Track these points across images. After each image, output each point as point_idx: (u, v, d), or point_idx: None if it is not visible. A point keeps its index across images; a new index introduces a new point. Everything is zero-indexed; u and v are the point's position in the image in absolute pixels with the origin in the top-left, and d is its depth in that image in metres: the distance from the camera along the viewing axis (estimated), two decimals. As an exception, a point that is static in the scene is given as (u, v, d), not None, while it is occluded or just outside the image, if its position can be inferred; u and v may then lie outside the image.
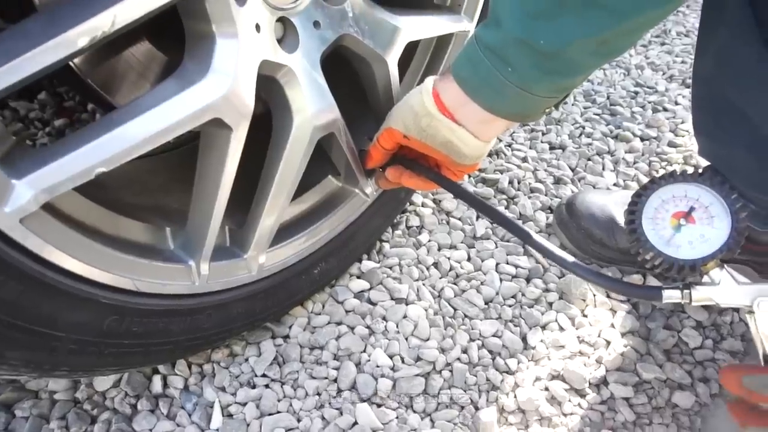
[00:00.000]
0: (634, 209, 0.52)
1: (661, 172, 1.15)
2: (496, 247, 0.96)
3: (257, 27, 0.56)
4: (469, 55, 0.56)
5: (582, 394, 0.78)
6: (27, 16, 0.42)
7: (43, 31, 0.41)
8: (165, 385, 0.76)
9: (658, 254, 0.50)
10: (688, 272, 0.50)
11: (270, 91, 0.63)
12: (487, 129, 0.61)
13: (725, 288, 0.50)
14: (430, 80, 0.62)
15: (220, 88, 0.53)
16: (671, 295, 0.52)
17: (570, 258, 0.58)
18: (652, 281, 0.92)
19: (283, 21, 0.60)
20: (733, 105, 0.70)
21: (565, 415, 0.76)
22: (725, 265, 0.51)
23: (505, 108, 0.58)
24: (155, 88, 0.52)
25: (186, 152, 0.86)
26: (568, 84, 0.56)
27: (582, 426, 0.75)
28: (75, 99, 1.24)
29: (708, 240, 0.50)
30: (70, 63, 1.02)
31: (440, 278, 0.91)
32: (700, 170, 0.86)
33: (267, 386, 0.76)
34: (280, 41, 0.60)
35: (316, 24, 0.63)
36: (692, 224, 0.51)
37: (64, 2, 0.43)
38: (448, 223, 1.00)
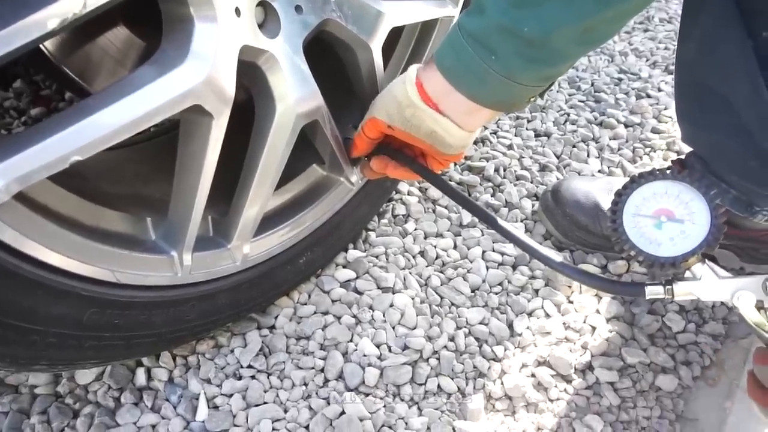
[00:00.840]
0: (616, 208, 0.53)
1: (645, 158, 1.16)
2: (482, 235, 0.96)
3: (237, 11, 0.54)
4: (453, 43, 0.55)
5: (568, 380, 0.79)
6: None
7: (9, 13, 0.39)
8: (149, 377, 0.75)
9: (639, 252, 0.52)
10: (669, 268, 0.51)
11: (252, 78, 0.62)
12: (471, 119, 0.60)
13: (706, 283, 0.52)
14: (413, 69, 0.61)
15: (199, 74, 0.52)
16: (654, 291, 0.53)
17: (557, 257, 0.58)
18: (637, 267, 0.92)
19: (263, 5, 0.58)
20: (716, 92, 0.70)
21: (551, 400, 0.77)
22: (706, 260, 0.52)
23: (488, 97, 0.57)
24: (132, 74, 0.51)
25: (166, 141, 0.84)
26: (552, 72, 0.55)
27: (568, 411, 0.76)
28: (52, 87, 1.21)
29: (689, 236, 0.51)
30: (45, 50, 0.99)
31: (427, 266, 0.91)
32: (679, 164, 0.87)
33: (253, 377, 0.76)
34: (261, 26, 0.58)
35: (298, 8, 0.62)
36: (673, 221, 0.52)
37: (32, -17, 0.41)
38: (434, 211, 1.00)
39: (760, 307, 0.49)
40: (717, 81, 0.70)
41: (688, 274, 0.53)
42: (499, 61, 0.52)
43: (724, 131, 0.73)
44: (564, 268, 0.58)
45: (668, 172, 0.52)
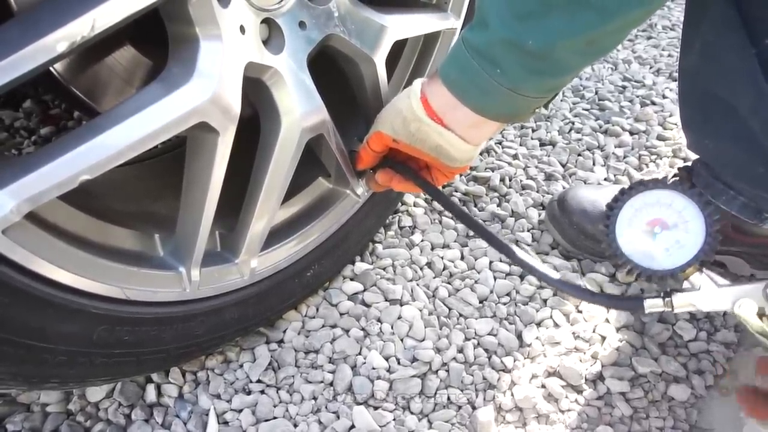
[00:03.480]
0: (608, 223, 0.52)
1: (651, 165, 1.15)
2: (489, 245, 0.96)
3: (242, 29, 0.55)
4: (457, 57, 0.56)
5: (578, 390, 0.78)
6: (3, 21, 0.41)
7: (20, 37, 0.40)
8: (159, 393, 0.75)
9: (636, 267, 0.50)
10: (668, 281, 0.51)
11: (257, 94, 0.62)
12: (476, 132, 0.60)
13: (706, 293, 0.50)
14: (417, 84, 0.62)
15: (205, 92, 0.53)
16: (653, 305, 0.52)
17: (554, 274, 0.58)
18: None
19: (268, 22, 0.59)
20: (720, 98, 0.70)
21: (562, 411, 0.76)
22: (704, 269, 0.51)
23: (494, 109, 0.57)
24: (139, 93, 0.51)
25: (173, 157, 0.85)
26: (556, 83, 0.56)
27: (579, 422, 0.75)
28: (61, 107, 1.23)
29: (684, 246, 0.50)
30: (54, 70, 1.01)
31: (434, 278, 0.91)
32: (686, 171, 0.87)
33: (262, 392, 0.75)
34: (265, 43, 0.59)
35: (302, 24, 0.62)
36: (667, 231, 0.50)
37: (42, 6, 0.42)
38: (440, 222, 1.00)
39: (761, 314, 0.48)
40: (721, 88, 0.70)
41: (686, 284, 0.52)
42: (504, 75, 0.53)
43: (730, 138, 0.73)
44: (562, 286, 0.57)
45: (659, 181, 0.51)
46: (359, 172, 0.75)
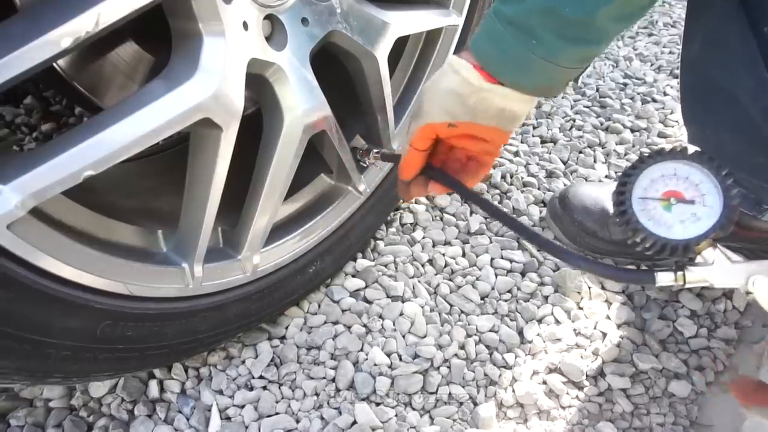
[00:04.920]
0: (623, 189, 0.50)
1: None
2: (491, 242, 0.96)
3: (245, 25, 0.55)
4: (489, 32, 0.55)
5: (580, 387, 0.78)
6: (7, 17, 0.41)
7: (24, 33, 0.40)
8: (161, 389, 0.75)
9: (650, 235, 0.48)
10: (681, 252, 0.48)
11: (260, 90, 0.62)
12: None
13: (719, 268, 0.48)
14: (456, 60, 0.58)
15: (208, 88, 0.53)
16: (664, 278, 0.50)
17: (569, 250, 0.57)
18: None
19: (270, 18, 0.59)
20: (722, 87, 0.70)
21: (563, 407, 0.76)
22: (718, 245, 0.49)
23: (530, 82, 0.56)
24: (142, 89, 0.51)
25: (176, 154, 0.85)
26: (592, 52, 0.55)
27: (580, 418, 0.75)
28: (62, 103, 1.23)
29: (700, 219, 0.48)
30: (56, 66, 1.01)
31: (435, 275, 0.91)
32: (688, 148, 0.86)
33: (265, 388, 0.76)
34: (268, 39, 0.59)
35: (305, 21, 0.62)
36: (683, 203, 0.49)
37: (46, 2, 0.42)
38: (441, 219, 1.00)
39: None
40: (723, 77, 0.69)
41: (699, 259, 0.49)
42: (541, 45, 0.52)
43: (731, 128, 0.73)
44: (570, 258, 0.55)
45: (678, 152, 0.49)
46: (402, 184, 0.67)
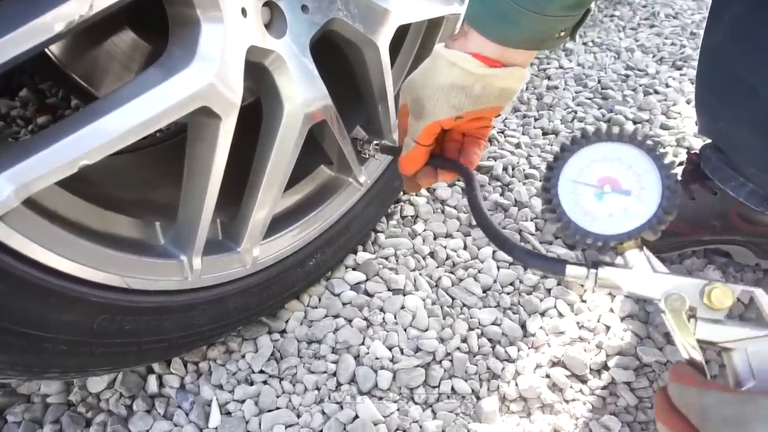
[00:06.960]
0: (554, 165, 0.44)
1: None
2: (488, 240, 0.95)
3: (243, 11, 0.54)
4: None
5: (583, 380, 0.78)
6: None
7: (15, 16, 0.38)
8: (161, 384, 0.74)
9: (568, 223, 0.43)
10: (599, 249, 0.43)
11: (259, 79, 0.61)
12: (520, 56, 0.57)
13: (637, 274, 0.42)
14: (447, 51, 0.57)
15: (206, 76, 0.51)
16: (575, 273, 0.45)
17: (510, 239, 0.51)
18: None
19: (270, 5, 0.58)
20: (743, 79, 0.68)
21: (566, 401, 0.75)
22: (644, 248, 0.43)
23: (517, 35, 0.54)
24: (139, 77, 0.50)
25: (174, 145, 0.84)
26: None
27: (584, 412, 0.75)
28: (57, 95, 1.21)
29: (631, 215, 0.42)
30: (51, 56, 0.99)
31: (437, 268, 0.90)
32: (694, 156, 0.84)
33: (265, 382, 0.75)
34: (267, 26, 0.58)
35: (304, 8, 0.61)
36: (618, 193, 0.42)
37: (39, -15, 0.41)
38: (443, 211, 0.99)
39: (690, 315, 0.40)
40: (745, 66, 0.67)
41: (620, 260, 0.44)
42: None
43: (747, 122, 0.71)
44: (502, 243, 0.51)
45: (625, 134, 0.43)
46: (407, 177, 0.67)
